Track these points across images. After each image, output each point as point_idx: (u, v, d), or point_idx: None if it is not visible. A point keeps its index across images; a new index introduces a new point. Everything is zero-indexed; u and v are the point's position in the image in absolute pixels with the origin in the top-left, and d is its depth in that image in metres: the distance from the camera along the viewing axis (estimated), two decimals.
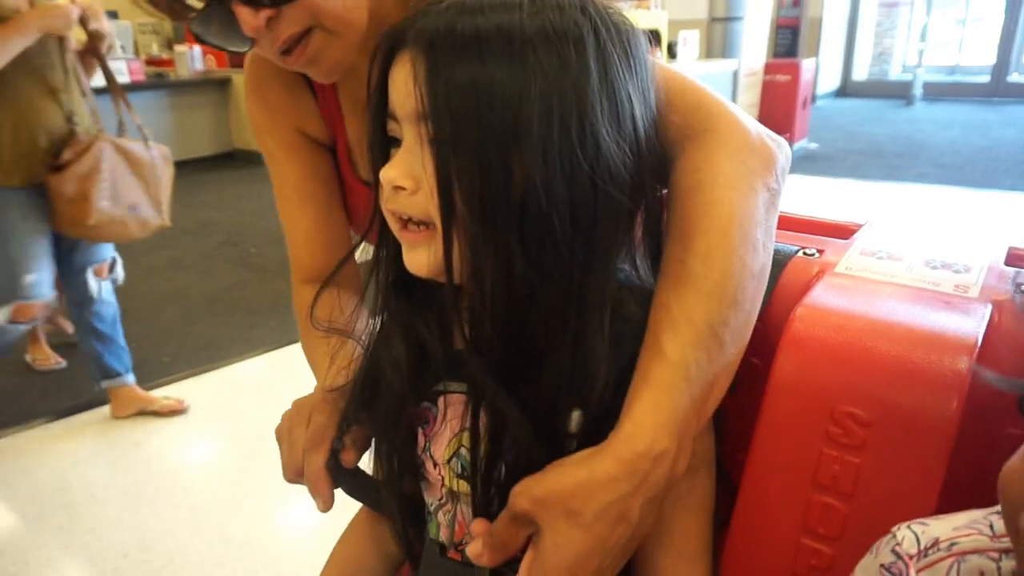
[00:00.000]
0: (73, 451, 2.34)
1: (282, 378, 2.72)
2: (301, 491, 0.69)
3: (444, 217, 0.50)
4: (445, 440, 0.60)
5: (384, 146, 0.56)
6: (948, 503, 0.50)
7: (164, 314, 3.37)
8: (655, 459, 0.50)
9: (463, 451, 0.59)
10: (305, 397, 0.73)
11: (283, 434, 0.72)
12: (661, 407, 0.50)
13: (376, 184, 0.56)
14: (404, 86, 0.51)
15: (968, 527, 0.45)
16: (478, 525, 0.55)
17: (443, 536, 0.63)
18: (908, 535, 0.47)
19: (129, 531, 1.94)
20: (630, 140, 0.52)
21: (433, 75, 0.49)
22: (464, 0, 0.50)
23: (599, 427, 0.52)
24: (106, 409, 2.50)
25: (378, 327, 0.64)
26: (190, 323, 3.25)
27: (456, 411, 0.59)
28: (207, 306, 3.46)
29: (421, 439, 0.63)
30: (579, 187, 0.50)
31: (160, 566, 1.81)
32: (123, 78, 5.98)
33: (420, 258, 0.54)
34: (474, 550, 0.54)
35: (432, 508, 0.64)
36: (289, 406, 0.74)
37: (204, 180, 6.05)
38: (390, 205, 0.54)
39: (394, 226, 0.56)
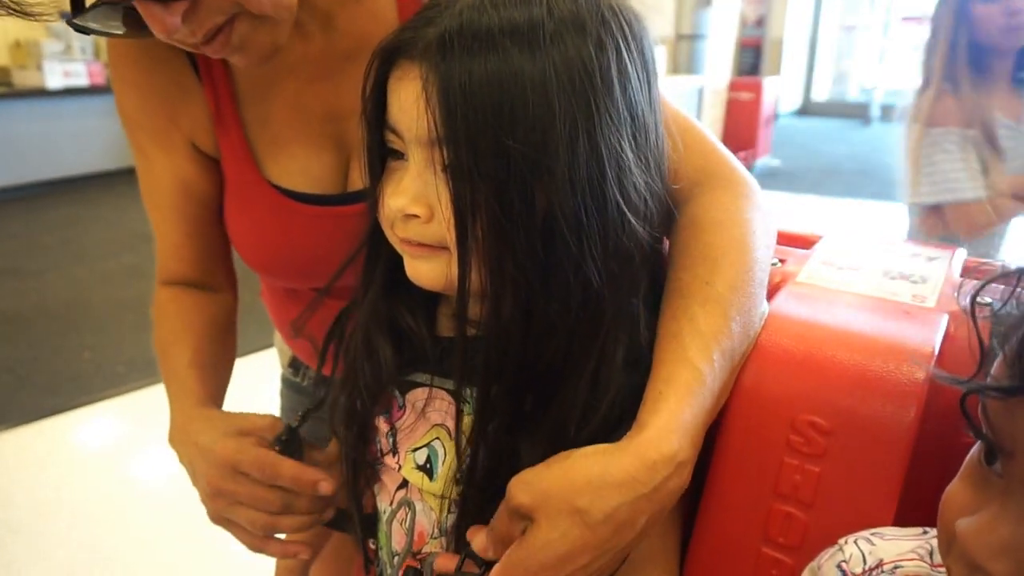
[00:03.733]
0: (18, 465, 2.25)
1: (240, 390, 2.65)
2: None
3: (461, 247, 0.48)
4: (420, 431, 0.59)
5: (382, 160, 0.53)
6: (907, 512, 0.51)
7: (120, 322, 3.27)
8: (677, 465, 0.48)
9: (436, 444, 0.58)
10: (203, 474, 0.62)
11: (223, 521, 0.63)
12: (687, 412, 0.49)
13: (373, 200, 0.54)
14: (414, 107, 0.47)
15: (912, 551, 0.46)
16: (473, 532, 0.52)
17: (398, 545, 0.62)
18: (856, 553, 0.47)
19: (76, 550, 1.87)
20: (651, 165, 0.52)
21: (447, 97, 0.45)
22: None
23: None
24: (54, 421, 2.41)
25: (360, 311, 0.61)
26: (147, 331, 3.15)
27: (437, 405, 0.58)
28: None
29: (384, 426, 0.61)
30: (608, 215, 0.48)
31: None
32: (82, 80, 5.85)
33: (425, 272, 0.52)
34: (479, 544, 0.51)
35: (385, 516, 0.63)
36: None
37: None
38: (400, 232, 0.52)
39: (393, 238, 0.54)
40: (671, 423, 0.48)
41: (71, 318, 3.32)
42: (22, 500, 2.06)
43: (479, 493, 0.54)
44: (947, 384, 0.39)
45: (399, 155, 0.52)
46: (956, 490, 0.38)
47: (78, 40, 6.03)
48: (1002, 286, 0.66)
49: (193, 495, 0.64)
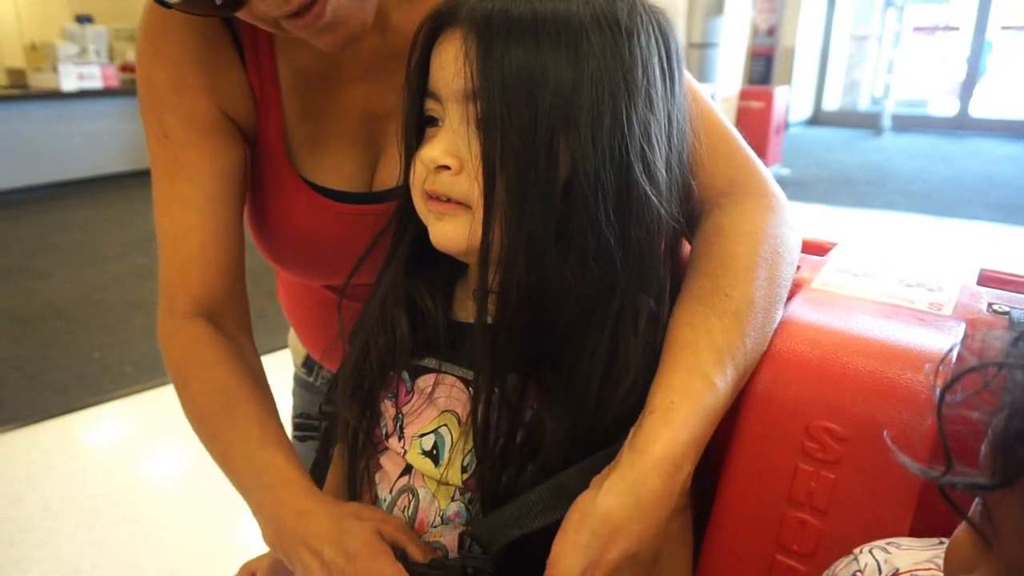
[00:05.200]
0: (27, 463, 2.26)
1: None
2: None
3: (487, 198, 0.50)
4: (427, 417, 0.59)
5: (419, 127, 0.56)
6: (923, 522, 0.50)
7: (129, 323, 3.29)
8: (687, 475, 0.50)
9: (443, 430, 0.58)
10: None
11: None
12: (697, 424, 0.50)
13: (406, 165, 0.57)
14: (453, 64, 0.50)
15: (930, 561, 0.45)
16: None
17: None
18: (871, 562, 0.47)
19: (84, 546, 1.87)
20: (673, 142, 0.54)
21: (486, 54, 0.49)
22: None
23: (618, 431, 0.52)
24: (63, 421, 2.42)
25: (380, 285, 0.62)
26: (155, 333, 3.17)
27: (445, 391, 0.59)
28: None
29: (391, 409, 0.62)
30: (627, 179, 0.51)
31: None
32: (96, 83, 5.90)
33: (448, 231, 0.54)
34: None
35: (385, 504, 0.62)
36: None
37: None
38: (429, 186, 0.54)
39: (420, 201, 0.56)
40: (681, 436, 0.49)
41: (81, 318, 3.34)
42: (30, 498, 2.07)
43: (496, 476, 0.54)
44: (923, 477, 0.38)
45: (435, 123, 0.54)
46: (959, 540, 0.37)
47: (93, 43, 6.10)
48: (1014, 293, 0.65)
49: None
